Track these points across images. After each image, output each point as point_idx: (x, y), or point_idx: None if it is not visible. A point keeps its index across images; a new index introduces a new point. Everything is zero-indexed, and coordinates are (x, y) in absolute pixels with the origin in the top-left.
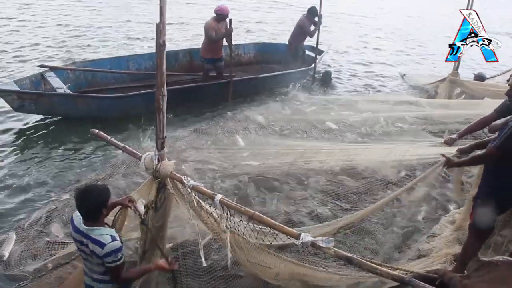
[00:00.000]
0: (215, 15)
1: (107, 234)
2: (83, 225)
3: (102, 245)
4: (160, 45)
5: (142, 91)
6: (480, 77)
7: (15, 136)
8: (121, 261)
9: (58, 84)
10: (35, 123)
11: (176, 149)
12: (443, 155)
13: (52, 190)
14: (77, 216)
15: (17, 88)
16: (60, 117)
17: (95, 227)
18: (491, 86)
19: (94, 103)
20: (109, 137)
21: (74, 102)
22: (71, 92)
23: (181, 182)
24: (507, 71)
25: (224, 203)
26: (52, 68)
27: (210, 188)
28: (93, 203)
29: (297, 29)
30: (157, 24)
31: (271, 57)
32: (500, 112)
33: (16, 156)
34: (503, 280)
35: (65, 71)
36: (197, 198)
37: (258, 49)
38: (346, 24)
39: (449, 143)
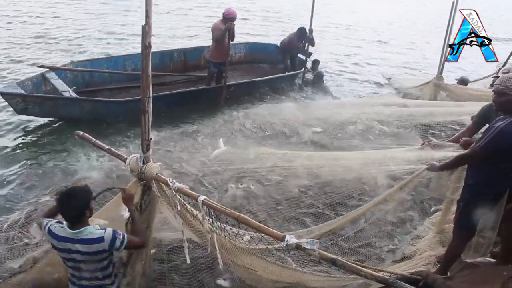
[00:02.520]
0: (223, 18)
1: (96, 229)
2: (70, 230)
3: (100, 239)
4: (146, 47)
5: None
6: (463, 81)
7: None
8: (126, 236)
9: (62, 87)
10: (26, 124)
11: (160, 151)
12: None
13: (33, 192)
14: (56, 226)
15: (21, 91)
16: (54, 119)
17: (83, 228)
18: (474, 90)
19: (99, 107)
20: (93, 139)
21: (79, 105)
22: (77, 96)
23: (166, 184)
24: (488, 76)
25: (208, 204)
26: (52, 69)
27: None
28: (78, 205)
29: (287, 43)
30: (142, 26)
31: (260, 57)
32: (478, 121)
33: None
34: (485, 281)
35: (63, 71)
36: (182, 200)
37: (248, 48)
38: (337, 30)
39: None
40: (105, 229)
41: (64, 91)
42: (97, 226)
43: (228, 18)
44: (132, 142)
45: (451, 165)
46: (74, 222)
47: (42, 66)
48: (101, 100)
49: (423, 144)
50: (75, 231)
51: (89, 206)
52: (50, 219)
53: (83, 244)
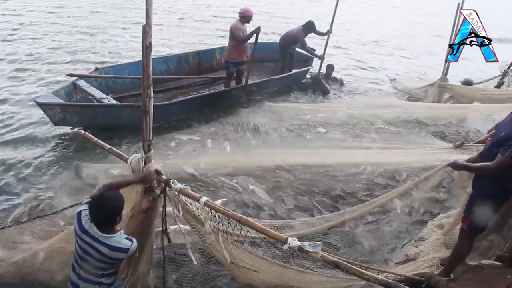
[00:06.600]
0: (239, 17)
1: (123, 239)
2: (98, 232)
3: (125, 250)
4: (147, 46)
5: (186, 97)
6: (467, 83)
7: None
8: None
9: (99, 94)
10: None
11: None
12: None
13: (37, 188)
14: (86, 216)
15: (61, 101)
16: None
17: (111, 235)
18: (479, 91)
19: (137, 112)
20: (95, 139)
21: (119, 112)
22: (118, 103)
23: (168, 185)
24: (493, 77)
25: (210, 205)
26: (81, 76)
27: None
28: (108, 213)
29: (291, 37)
30: (143, 25)
31: (265, 56)
32: None
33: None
34: (489, 284)
35: (90, 79)
36: (184, 201)
37: (252, 48)
38: (342, 31)
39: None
40: (132, 241)
41: (102, 98)
42: (124, 235)
43: (245, 17)
44: (167, 146)
45: (474, 170)
46: (102, 227)
47: (71, 75)
48: (141, 106)
49: (456, 147)
50: (103, 234)
51: (119, 214)
52: (86, 204)
53: (106, 248)
